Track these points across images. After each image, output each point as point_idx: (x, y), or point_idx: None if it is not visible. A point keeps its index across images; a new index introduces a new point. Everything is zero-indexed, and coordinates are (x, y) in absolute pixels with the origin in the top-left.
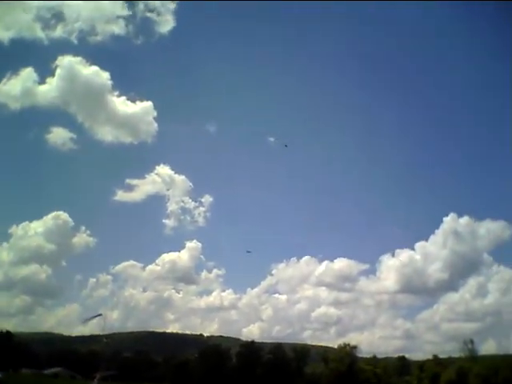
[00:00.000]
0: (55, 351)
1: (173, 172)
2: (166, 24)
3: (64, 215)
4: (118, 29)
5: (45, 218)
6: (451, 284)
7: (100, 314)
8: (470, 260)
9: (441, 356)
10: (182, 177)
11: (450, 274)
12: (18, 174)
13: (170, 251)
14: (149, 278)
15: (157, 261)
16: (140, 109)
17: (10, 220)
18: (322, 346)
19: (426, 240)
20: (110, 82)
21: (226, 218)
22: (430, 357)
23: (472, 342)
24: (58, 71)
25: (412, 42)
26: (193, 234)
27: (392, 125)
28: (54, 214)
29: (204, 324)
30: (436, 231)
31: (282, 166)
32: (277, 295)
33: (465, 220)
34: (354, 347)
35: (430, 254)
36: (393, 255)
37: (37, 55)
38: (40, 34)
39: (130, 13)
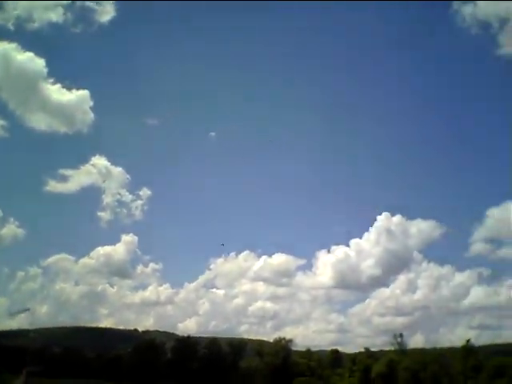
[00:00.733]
0: None
1: (109, 163)
2: (106, 13)
3: None
4: (56, 16)
5: None
6: (383, 280)
7: (28, 308)
8: (401, 257)
9: (372, 349)
10: (119, 169)
11: (382, 270)
12: None
13: (105, 244)
14: (81, 271)
15: (90, 254)
16: (76, 97)
17: None
18: (258, 340)
19: (361, 237)
20: (45, 70)
21: (164, 211)
22: (361, 350)
23: (401, 335)
24: None
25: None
26: (129, 227)
27: (331, 122)
28: None
29: (139, 319)
30: (370, 229)
31: (222, 161)
32: (214, 290)
33: (397, 219)
34: (290, 341)
35: (364, 250)
36: (329, 251)
37: None
38: None
39: (69, 1)
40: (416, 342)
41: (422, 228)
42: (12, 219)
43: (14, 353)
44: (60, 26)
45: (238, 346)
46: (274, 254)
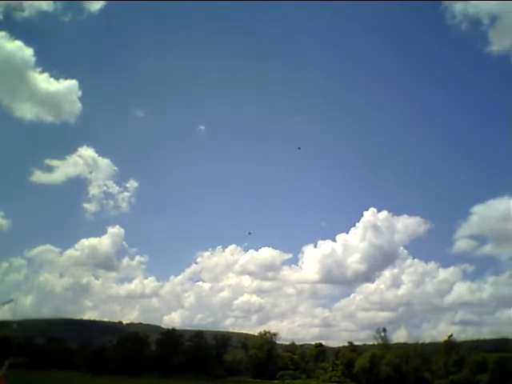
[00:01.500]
0: None
1: (96, 155)
2: (96, 2)
3: None
4: (46, 5)
5: None
6: (368, 275)
7: (11, 300)
8: (387, 253)
9: (356, 343)
10: (107, 160)
11: (367, 265)
12: None
13: (91, 236)
14: (66, 263)
15: (76, 246)
16: (64, 87)
17: None
18: (243, 334)
19: (347, 232)
20: (33, 59)
21: (151, 204)
22: (345, 344)
23: (385, 330)
24: None
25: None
26: (115, 219)
27: (320, 119)
28: None
29: (124, 311)
30: (357, 224)
31: (210, 154)
32: (200, 283)
33: (383, 214)
34: (274, 334)
35: (350, 246)
36: (315, 246)
37: None
38: None
39: None
40: (399, 336)
41: (407, 224)
42: None
43: None
44: (50, 14)
45: (223, 339)
46: (260, 248)
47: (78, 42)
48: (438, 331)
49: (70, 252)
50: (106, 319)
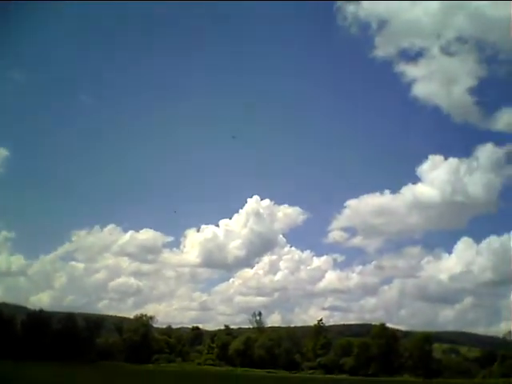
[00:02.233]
0: None
1: None
2: None
3: None
4: None
5: None
6: (248, 261)
7: None
8: (267, 240)
9: (232, 327)
10: None
11: (247, 251)
12: None
13: None
14: None
15: None
16: None
17: None
18: (118, 317)
19: (230, 218)
20: None
21: (23, 176)
22: (222, 327)
23: (260, 314)
24: None
25: None
26: None
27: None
28: None
29: None
30: (240, 211)
31: (93, 127)
32: (74, 263)
33: (266, 202)
34: (151, 317)
35: (232, 231)
36: (198, 230)
37: None
38: None
39: None
40: (273, 320)
41: (287, 213)
42: None
43: None
44: None
45: (96, 322)
46: (141, 229)
47: None
48: (309, 316)
49: None
50: None
